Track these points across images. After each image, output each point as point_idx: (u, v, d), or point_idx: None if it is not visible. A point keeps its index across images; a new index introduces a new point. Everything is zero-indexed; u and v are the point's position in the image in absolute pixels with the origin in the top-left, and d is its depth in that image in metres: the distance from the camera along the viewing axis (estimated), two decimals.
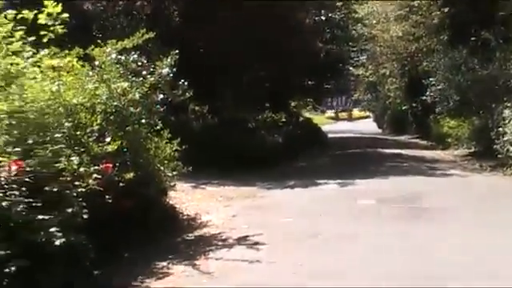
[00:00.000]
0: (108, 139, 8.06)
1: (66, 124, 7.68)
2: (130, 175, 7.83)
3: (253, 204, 11.52)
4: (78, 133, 7.62)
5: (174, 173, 10.05)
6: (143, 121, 8.98)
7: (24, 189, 6.24)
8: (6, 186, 6.19)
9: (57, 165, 6.71)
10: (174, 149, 10.19)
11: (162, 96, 9.59)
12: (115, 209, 7.76)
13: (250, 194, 12.67)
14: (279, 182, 14.17)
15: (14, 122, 7.24)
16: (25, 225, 6.08)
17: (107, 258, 7.69)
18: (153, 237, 8.94)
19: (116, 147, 7.60)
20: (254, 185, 13.87)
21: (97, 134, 8.11)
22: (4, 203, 5.98)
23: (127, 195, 8.30)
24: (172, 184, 10.23)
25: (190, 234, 9.39)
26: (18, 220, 6.03)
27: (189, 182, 12.79)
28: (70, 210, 6.44)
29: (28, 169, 6.45)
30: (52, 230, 6.10)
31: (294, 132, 20.49)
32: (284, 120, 20.56)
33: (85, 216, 6.57)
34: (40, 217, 6.14)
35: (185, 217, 10.64)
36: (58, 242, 6.02)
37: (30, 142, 6.93)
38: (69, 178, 6.70)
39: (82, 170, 7.02)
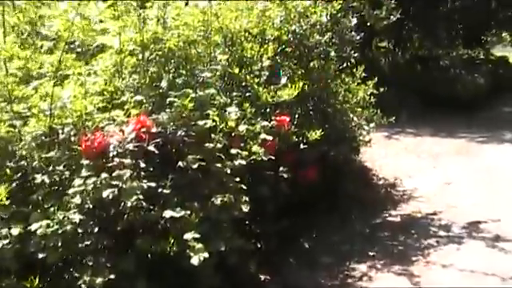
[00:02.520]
0: (283, 80, 5.10)
1: (222, 58, 4.82)
2: (317, 133, 4.84)
3: (471, 165, 8.08)
4: (239, 71, 4.69)
5: (371, 125, 6.96)
6: (332, 53, 5.87)
7: (143, 165, 3.48)
8: (116, 160, 3.47)
9: (202, 122, 3.88)
10: (368, 92, 7.09)
11: (356, 19, 6.40)
12: (292, 184, 4.88)
13: (459, 149, 9.20)
14: (492, 132, 10.47)
15: (148, 56, 4.51)
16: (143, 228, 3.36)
17: (279, 254, 4.93)
18: (342, 217, 6.02)
19: (296, 92, 4.57)
20: (458, 136, 10.35)
21: (267, 74, 5.17)
22: (107, 191, 3.25)
23: (310, 163, 5.38)
24: (367, 139, 7.15)
25: (393, 213, 6.28)
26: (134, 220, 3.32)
27: (379, 131, 9.59)
28: (219, 200, 3.60)
29: (154, 129, 3.68)
30: (188, 236, 3.31)
31: (496, 71, 16.38)
32: (482, 58, 16.54)
33: (244, 208, 3.72)
34: (168, 214, 3.37)
35: (380, 182, 7.52)
36: (195, 260, 3.22)
37: (164, 84, 4.14)
38: (219, 145, 3.85)
39: (242, 128, 4.15)
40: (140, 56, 4.56)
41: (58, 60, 4.16)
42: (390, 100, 9.19)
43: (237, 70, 4.51)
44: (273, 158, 4.24)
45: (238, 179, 3.80)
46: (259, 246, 4.98)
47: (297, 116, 5.35)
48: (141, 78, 4.38)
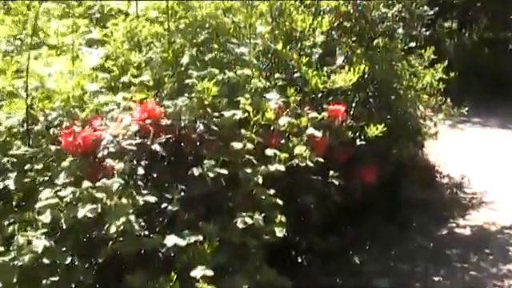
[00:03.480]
0: (339, 61, 4.03)
1: (264, 30, 3.77)
2: (378, 128, 3.75)
3: None
4: (284, 47, 3.62)
5: (440, 116, 5.81)
6: (400, 30, 4.73)
7: (142, 171, 2.49)
8: (109, 162, 2.49)
9: (230, 113, 2.87)
10: (437, 77, 5.92)
11: None
12: (345, 188, 3.82)
13: None
14: None
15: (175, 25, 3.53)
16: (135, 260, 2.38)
17: (323, 272, 3.95)
18: (402, 225, 4.94)
19: (356, 78, 3.45)
20: None
21: (320, 52, 4.10)
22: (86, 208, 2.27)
23: (368, 162, 4.30)
24: (433, 132, 6.00)
25: (461, 222, 5.15)
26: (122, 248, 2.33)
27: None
28: (241, 222, 2.58)
29: (164, 121, 2.68)
30: (196, 273, 2.32)
31: None
32: None
33: (279, 232, 2.69)
34: (171, 241, 2.38)
35: (445, 180, 6.38)
36: None
37: (185, 60, 3.14)
38: (250, 145, 2.82)
39: (284, 121, 3.12)
40: (165, 25, 3.57)
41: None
42: (453, 85, 7.96)
43: (280, 46, 3.45)
44: (322, 159, 3.21)
45: (272, 191, 2.76)
46: (300, 262, 4.00)
47: (354, 105, 4.28)
48: (164, 52, 3.39)
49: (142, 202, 2.38)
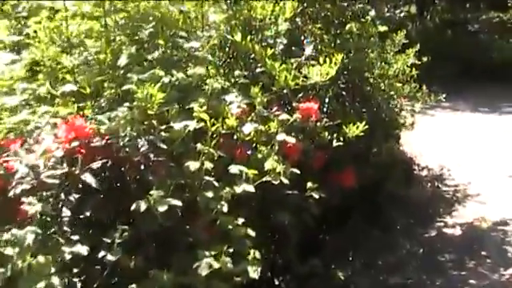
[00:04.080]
0: (308, 50, 3.45)
1: (219, 18, 3.15)
2: (359, 127, 3.17)
3: None
4: (243, 38, 2.99)
5: (417, 106, 5.31)
6: (372, 12, 4.17)
7: (67, 212, 1.87)
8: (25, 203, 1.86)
9: (180, 125, 2.26)
10: (408, 63, 5.42)
11: None
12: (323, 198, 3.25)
13: (510, 127, 7.51)
14: None
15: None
16: None
17: None
18: (385, 228, 4.39)
19: (334, 70, 2.83)
20: (503, 111, 8.66)
21: (284, 42, 3.52)
22: None
23: (346, 163, 3.73)
24: (410, 122, 5.51)
25: (449, 221, 4.63)
26: None
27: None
28: (204, 267, 1.97)
29: (98, 143, 2.05)
30: None
31: None
32: None
33: (253, 273, 2.09)
34: None
35: (424, 173, 5.89)
36: None
37: (123, 62, 2.51)
38: (209, 164, 2.21)
39: (249, 128, 2.53)
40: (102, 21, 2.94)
41: None
42: (419, 70, 7.48)
43: (239, 37, 2.83)
44: (297, 171, 2.63)
45: (241, 220, 2.16)
46: (277, 285, 3.42)
47: (327, 100, 3.71)
48: (100, 53, 2.76)
49: (69, 256, 1.76)
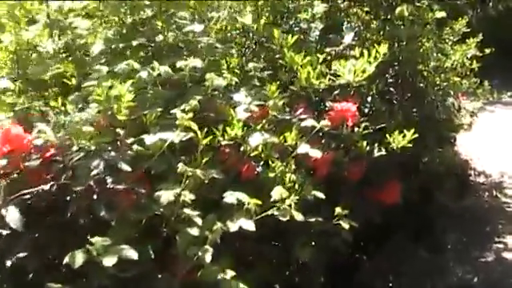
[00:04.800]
0: (348, 39, 2.79)
1: None
2: (406, 136, 2.50)
3: None
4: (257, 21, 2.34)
5: (478, 105, 4.57)
6: None
7: None
8: None
9: (153, 138, 1.65)
10: (467, 54, 4.64)
11: None
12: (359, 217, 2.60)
13: None
14: None
15: None
16: None
17: None
18: (433, 248, 3.70)
19: (374, 66, 2.13)
20: None
21: (321, 27, 2.87)
22: None
23: (391, 176, 3.05)
24: (467, 122, 4.76)
25: (510, 240, 3.92)
26: None
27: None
28: None
29: (32, 161, 1.46)
30: None
31: None
32: None
33: None
34: None
35: (480, 179, 5.14)
36: None
37: (98, 49, 1.91)
38: (189, 195, 1.60)
39: (256, 140, 1.90)
40: None
41: None
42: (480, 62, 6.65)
43: (249, 19, 2.19)
44: (322, 196, 2.00)
45: (231, 273, 1.55)
46: None
47: (369, 99, 3.03)
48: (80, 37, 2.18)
49: None
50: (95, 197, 1.50)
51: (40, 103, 2.04)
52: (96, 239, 1.38)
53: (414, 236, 3.73)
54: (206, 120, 1.90)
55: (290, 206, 1.71)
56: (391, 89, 3.46)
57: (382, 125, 2.83)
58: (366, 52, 2.09)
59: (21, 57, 2.19)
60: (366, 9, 3.41)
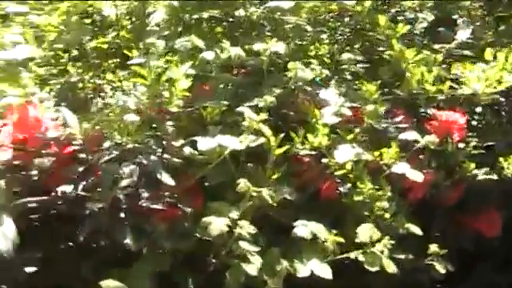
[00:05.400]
0: (462, 34, 2.28)
1: None
2: None
3: None
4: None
5: None
6: None
7: None
8: None
9: (210, 143, 1.23)
10: None
11: None
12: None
13: None
14: None
15: None
16: None
17: None
18: None
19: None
20: None
21: (430, 19, 2.38)
22: None
23: (492, 203, 2.53)
24: None
25: None
26: None
27: None
28: None
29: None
30: None
31: None
32: None
33: None
34: None
35: None
36: None
37: (156, 19, 1.51)
38: (247, 228, 1.18)
39: (345, 156, 1.46)
40: None
41: None
42: None
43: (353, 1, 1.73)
44: (419, 233, 1.55)
45: None
46: None
47: (478, 109, 2.51)
48: None
49: None
50: (121, 215, 1.10)
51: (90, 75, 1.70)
52: (106, 285, 0.98)
53: (501, 265, 3.20)
54: (283, 120, 1.48)
55: (382, 252, 1.27)
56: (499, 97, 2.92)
57: (491, 142, 2.33)
58: (499, 55, 1.59)
59: (74, 22, 1.82)
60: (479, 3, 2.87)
